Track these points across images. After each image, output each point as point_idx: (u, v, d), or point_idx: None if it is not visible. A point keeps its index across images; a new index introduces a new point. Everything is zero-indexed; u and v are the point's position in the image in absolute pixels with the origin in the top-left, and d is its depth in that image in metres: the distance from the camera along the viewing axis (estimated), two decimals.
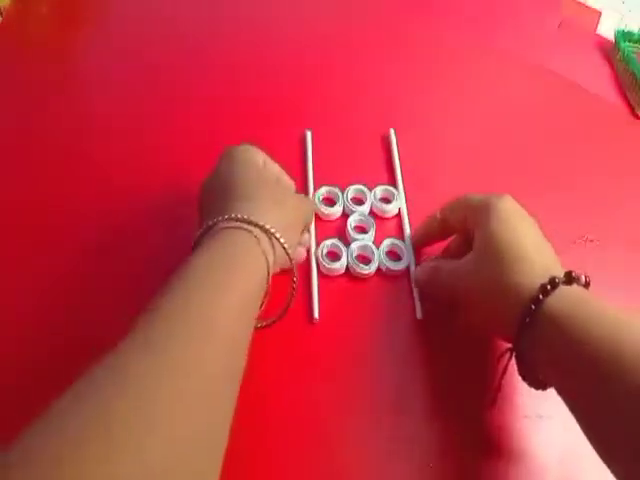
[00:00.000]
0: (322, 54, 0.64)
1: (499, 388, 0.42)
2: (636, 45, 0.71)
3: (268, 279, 0.38)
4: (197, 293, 0.33)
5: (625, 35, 0.71)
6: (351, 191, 0.52)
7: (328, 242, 0.49)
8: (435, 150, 0.57)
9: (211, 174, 0.43)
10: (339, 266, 0.47)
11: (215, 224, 0.38)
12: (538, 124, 0.62)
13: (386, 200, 0.52)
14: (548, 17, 0.73)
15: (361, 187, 0.52)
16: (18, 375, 0.40)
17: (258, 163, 0.44)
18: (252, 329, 0.37)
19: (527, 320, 0.37)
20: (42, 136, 0.54)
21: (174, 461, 0.26)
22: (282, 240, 0.38)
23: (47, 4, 0.65)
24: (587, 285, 0.38)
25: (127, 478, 0.24)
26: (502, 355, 0.41)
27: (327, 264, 0.47)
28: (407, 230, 0.51)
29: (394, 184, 0.53)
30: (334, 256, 0.48)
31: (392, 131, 0.56)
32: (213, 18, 0.66)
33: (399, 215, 0.52)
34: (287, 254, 0.39)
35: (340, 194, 0.51)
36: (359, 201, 0.52)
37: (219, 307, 0.33)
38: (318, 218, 0.51)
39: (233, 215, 0.38)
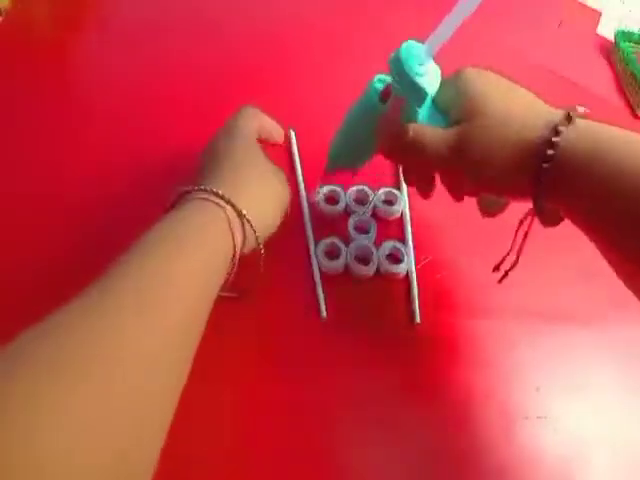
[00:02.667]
0: (327, 53, 0.65)
1: (517, 259, 0.42)
2: (636, 45, 0.71)
3: (234, 257, 0.38)
4: (152, 259, 0.33)
5: (625, 35, 0.71)
6: (354, 191, 0.52)
7: (327, 240, 0.49)
8: None
9: (209, 144, 0.44)
10: (338, 265, 0.48)
11: (190, 192, 0.39)
12: None
13: (389, 202, 0.52)
14: (548, 17, 0.73)
15: (364, 188, 0.52)
16: None
17: (251, 134, 0.44)
18: (211, 299, 0.36)
19: (548, 153, 0.34)
20: (42, 135, 0.54)
21: (101, 417, 0.26)
22: (252, 223, 0.39)
23: (47, 4, 0.65)
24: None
25: (47, 427, 0.24)
26: (523, 219, 0.40)
27: (326, 262, 0.47)
28: (408, 233, 0.51)
29: (398, 187, 0.53)
30: (333, 255, 0.48)
31: None
32: (206, 16, 0.66)
33: (401, 218, 0.52)
34: (254, 234, 0.40)
35: (342, 194, 0.51)
36: (361, 202, 0.52)
37: (172, 275, 0.33)
38: (319, 216, 0.51)
39: (209, 188, 0.38)
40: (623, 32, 0.71)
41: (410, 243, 0.50)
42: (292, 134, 0.56)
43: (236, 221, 0.38)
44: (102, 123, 0.56)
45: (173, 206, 0.39)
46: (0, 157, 0.52)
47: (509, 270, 0.43)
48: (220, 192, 0.38)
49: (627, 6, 0.77)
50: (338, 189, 0.51)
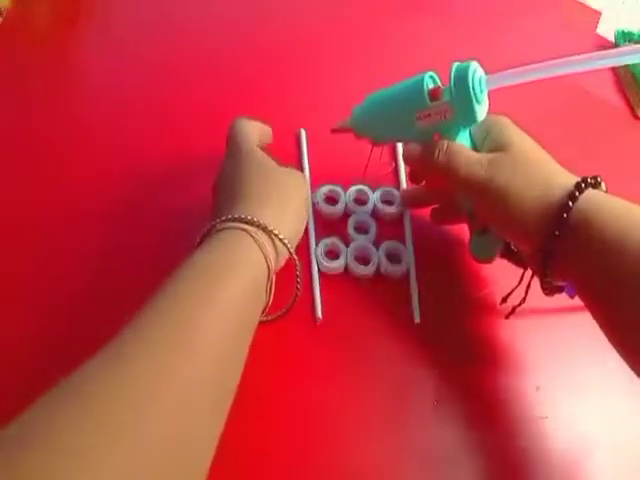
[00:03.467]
0: (333, 52, 0.65)
1: (522, 301, 0.44)
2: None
3: (269, 275, 0.38)
4: (183, 300, 0.32)
5: (625, 35, 0.71)
6: (353, 191, 0.52)
7: (327, 241, 0.49)
8: None
9: (218, 174, 0.44)
10: (337, 265, 0.48)
11: (212, 228, 0.38)
12: (538, 124, 0.61)
13: (388, 202, 0.52)
14: (548, 17, 0.73)
15: (363, 188, 0.52)
16: (18, 373, 0.40)
17: (252, 145, 0.44)
18: (252, 328, 0.37)
19: (564, 215, 0.36)
20: (42, 135, 0.54)
21: (143, 468, 0.26)
22: (280, 235, 0.38)
23: (47, 4, 0.65)
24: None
25: None
26: (524, 272, 0.43)
27: (326, 262, 0.47)
28: (408, 233, 0.50)
29: (397, 187, 0.53)
30: (333, 255, 0.48)
31: None
32: (207, 16, 0.66)
33: (401, 217, 0.52)
34: (286, 247, 0.39)
35: (342, 193, 0.51)
36: (361, 201, 0.52)
37: (205, 313, 0.32)
38: (319, 216, 0.51)
39: (229, 216, 0.38)
40: (623, 32, 0.71)
41: (410, 243, 0.50)
42: (303, 133, 0.56)
43: (265, 240, 0.38)
44: (103, 123, 0.56)
45: (202, 241, 0.39)
46: None
47: (517, 306, 0.45)
48: (242, 216, 0.37)
49: (627, 6, 0.77)
50: (338, 189, 0.51)
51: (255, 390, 0.42)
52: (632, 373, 0.45)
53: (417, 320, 0.46)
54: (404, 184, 0.53)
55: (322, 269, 0.48)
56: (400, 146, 0.55)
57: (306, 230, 0.50)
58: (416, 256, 0.49)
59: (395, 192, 0.52)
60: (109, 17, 0.65)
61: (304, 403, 0.42)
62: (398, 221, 0.51)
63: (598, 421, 0.44)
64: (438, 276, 0.49)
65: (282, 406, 0.42)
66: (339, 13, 0.69)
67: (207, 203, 0.44)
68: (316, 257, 0.48)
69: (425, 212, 0.51)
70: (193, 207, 0.47)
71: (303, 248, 0.49)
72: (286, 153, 0.55)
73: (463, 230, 0.49)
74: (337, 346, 0.45)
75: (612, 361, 0.46)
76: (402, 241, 0.50)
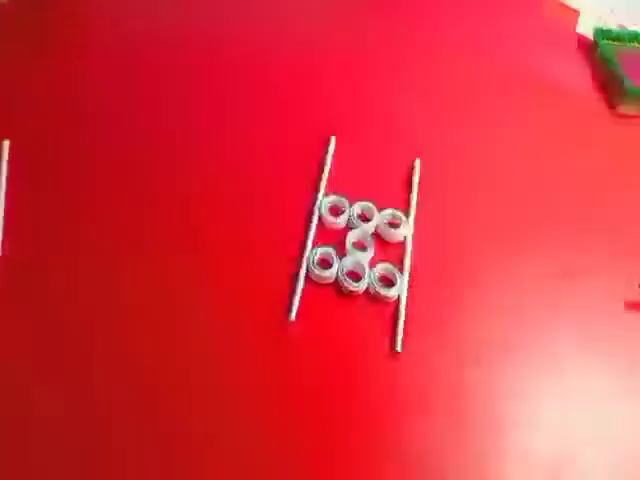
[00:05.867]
0: (355, 70, 0.64)
1: None
2: (614, 42, 0.71)
3: None
4: None
5: (603, 33, 0.72)
6: (358, 206, 0.50)
7: (322, 249, 0.48)
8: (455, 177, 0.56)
9: None
10: (328, 274, 0.46)
11: None
12: (518, 123, 0.62)
13: (393, 224, 0.50)
14: (529, 16, 0.73)
15: (369, 204, 0.50)
16: None
17: None
18: None
19: None
20: (41, 135, 0.54)
21: None
22: None
23: (47, 4, 0.65)
24: None
25: None
26: None
27: (316, 270, 0.46)
28: (408, 260, 0.49)
29: (406, 211, 0.52)
30: (325, 264, 0.47)
31: (417, 160, 0.55)
32: (217, 24, 0.65)
33: (403, 242, 0.50)
34: None
35: (347, 206, 0.50)
36: (365, 218, 0.50)
37: None
38: (320, 225, 0.50)
39: None
40: (602, 30, 0.72)
41: (407, 270, 0.48)
42: (332, 140, 0.56)
43: None
44: (102, 123, 0.56)
45: None
46: None
47: None
48: None
49: (607, 4, 0.77)
50: (344, 200, 0.49)
51: (241, 391, 0.42)
52: (616, 375, 0.46)
53: (398, 349, 0.45)
54: (413, 212, 0.52)
55: (312, 276, 0.47)
56: (417, 177, 0.54)
57: (302, 234, 0.49)
58: (411, 285, 0.48)
59: (402, 215, 0.51)
60: (109, 17, 0.65)
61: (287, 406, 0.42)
62: (400, 245, 0.50)
63: (582, 424, 0.44)
64: (429, 309, 0.48)
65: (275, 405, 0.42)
66: (371, 22, 0.68)
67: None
68: (307, 262, 0.47)
69: (429, 240, 0.51)
70: None
71: (296, 250, 0.48)
72: (309, 157, 0.55)
73: (465, 261, 0.50)
74: (313, 354, 0.44)
75: (596, 363, 0.47)
76: (398, 266, 0.48)
